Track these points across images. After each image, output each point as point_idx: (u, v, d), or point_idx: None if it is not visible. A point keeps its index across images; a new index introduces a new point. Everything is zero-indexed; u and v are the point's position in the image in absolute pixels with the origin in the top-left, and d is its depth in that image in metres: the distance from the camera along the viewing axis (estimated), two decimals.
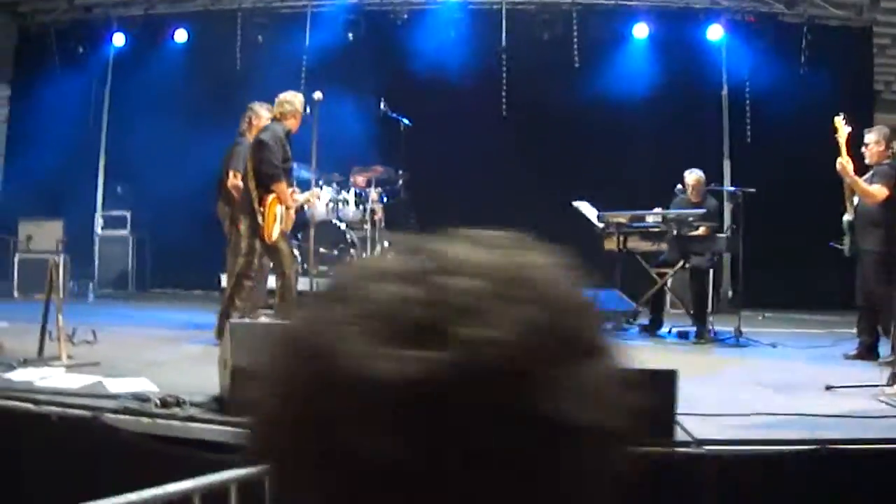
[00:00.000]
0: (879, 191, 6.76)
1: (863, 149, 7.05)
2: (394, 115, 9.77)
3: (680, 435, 3.91)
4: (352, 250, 9.35)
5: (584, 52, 12.18)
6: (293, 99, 7.25)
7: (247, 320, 6.35)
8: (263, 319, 7.46)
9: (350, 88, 10.82)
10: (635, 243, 8.23)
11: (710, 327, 8.10)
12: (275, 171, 6.83)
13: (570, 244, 0.70)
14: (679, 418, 4.07)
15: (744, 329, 7.76)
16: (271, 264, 7.33)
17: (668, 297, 8.87)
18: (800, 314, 10.74)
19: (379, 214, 9.75)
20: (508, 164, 11.40)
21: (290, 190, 7.24)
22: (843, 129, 6.86)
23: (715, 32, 12.21)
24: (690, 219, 7.96)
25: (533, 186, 10.94)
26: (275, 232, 6.94)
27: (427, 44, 11.73)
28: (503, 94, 12.26)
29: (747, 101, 12.29)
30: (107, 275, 11.80)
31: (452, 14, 12.07)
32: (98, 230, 12.00)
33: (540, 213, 9.17)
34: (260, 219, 6.88)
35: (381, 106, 9.75)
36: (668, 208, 8.57)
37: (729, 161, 12.36)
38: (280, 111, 7.20)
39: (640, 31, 12.16)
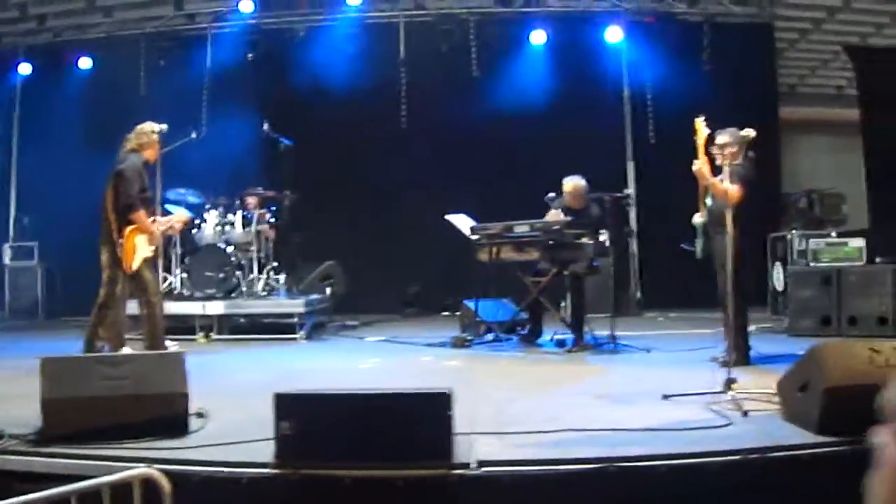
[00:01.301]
0: (737, 191, 6.72)
1: (714, 150, 7.02)
2: (275, 135, 9.86)
3: (463, 457, 3.87)
4: (237, 272, 9.40)
5: (483, 61, 12.28)
6: (151, 130, 7.33)
7: (64, 355, 6.39)
8: (127, 349, 7.59)
9: (246, 109, 10.94)
10: (508, 254, 8.28)
11: (590, 334, 8.17)
12: (132, 202, 6.92)
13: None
14: (480, 438, 4.18)
15: (643, 332, 7.81)
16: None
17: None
18: (706, 313, 10.80)
19: (268, 236, 9.83)
20: (407, 176, 11.49)
21: (151, 219, 7.31)
22: (702, 131, 6.82)
23: (614, 35, 12.30)
24: (556, 227, 7.99)
25: (432, 197, 10.98)
26: (135, 261, 7.01)
27: (325, 59, 11.85)
28: (403, 106, 12.32)
29: (649, 102, 12.38)
30: (17, 305, 11.89)
31: (350, 29, 12.14)
32: (6, 261, 12.05)
33: (435, 224, 9.22)
34: (119, 249, 6.96)
35: (264, 127, 9.82)
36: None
37: (633, 162, 12.46)
38: (138, 142, 7.27)
39: (538, 37, 12.26)
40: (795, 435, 4.18)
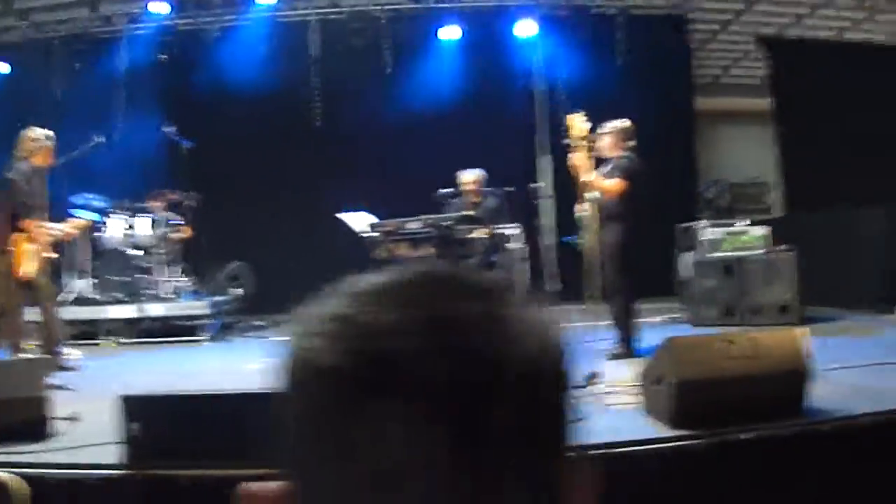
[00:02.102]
0: (618, 184, 6.77)
1: (597, 143, 7.07)
2: (176, 137, 9.85)
3: None
4: (143, 276, 9.40)
5: (396, 58, 12.34)
6: (38, 136, 7.30)
7: None
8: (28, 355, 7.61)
9: (157, 111, 10.94)
10: (403, 251, 8.30)
11: None
12: (21, 209, 6.91)
13: None
14: None
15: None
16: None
17: None
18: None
19: (176, 237, 9.83)
20: (323, 175, 11.49)
21: (43, 225, 7.30)
22: (578, 126, 6.86)
23: (526, 29, 12.36)
24: (446, 223, 8.03)
25: (347, 196, 10.97)
26: (27, 268, 7.00)
27: (238, 59, 11.84)
28: (316, 104, 12.35)
29: (563, 95, 12.45)
30: None
31: (263, 28, 12.14)
32: None
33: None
34: (9, 257, 6.97)
35: (165, 129, 9.82)
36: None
37: (551, 157, 12.53)
38: (24, 150, 7.24)
39: (450, 33, 12.32)
40: (649, 429, 4.20)
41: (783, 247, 8.70)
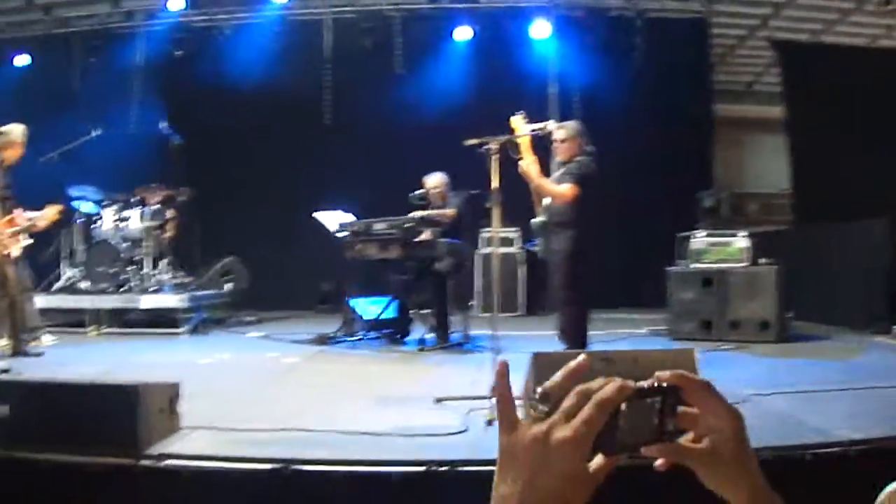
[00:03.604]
0: (570, 190, 6.45)
1: (553, 145, 6.86)
2: (169, 132, 9.97)
3: (154, 449, 3.91)
4: (129, 268, 9.50)
5: (408, 58, 12.26)
6: (9, 131, 7.48)
7: None
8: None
9: (169, 106, 11.10)
10: (371, 251, 8.24)
11: (461, 332, 8.15)
12: None
13: None
14: (198, 432, 4.24)
15: (529, 332, 8.08)
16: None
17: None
18: (621, 314, 10.72)
19: (165, 232, 9.94)
20: (331, 173, 11.46)
21: (8, 217, 7.47)
22: (522, 128, 6.63)
23: (541, 30, 12.17)
24: (407, 224, 7.94)
25: (354, 195, 10.90)
26: None
27: (250, 56, 11.91)
28: (327, 103, 12.36)
29: (577, 100, 12.23)
30: None
31: (276, 26, 12.20)
32: None
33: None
34: None
35: (160, 124, 9.94)
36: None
37: None
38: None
39: (463, 33, 12.18)
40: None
41: (764, 260, 8.32)
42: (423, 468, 3.72)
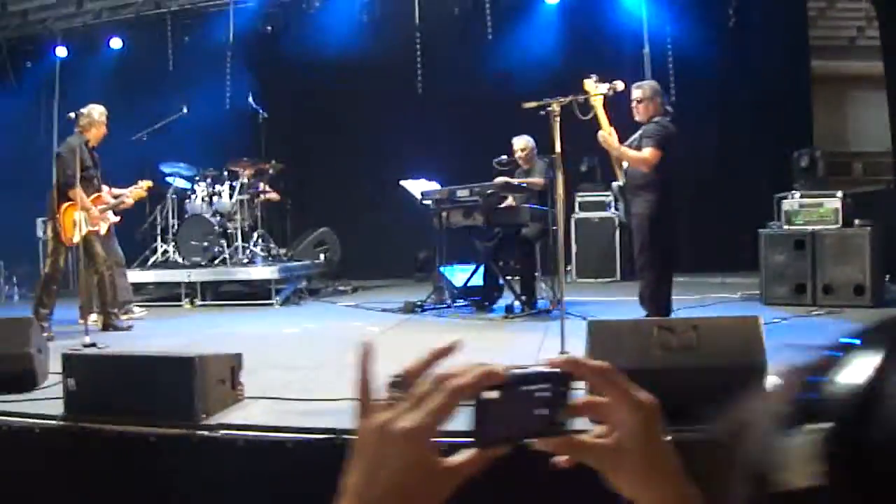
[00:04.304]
0: (652, 154, 6.17)
1: (633, 106, 6.61)
2: (255, 107, 10.07)
3: (212, 419, 3.96)
4: (221, 241, 9.68)
5: (497, 23, 12.07)
6: (90, 112, 7.70)
7: None
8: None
9: (263, 81, 11.24)
10: (456, 218, 8.16)
11: (541, 298, 8.03)
12: (68, 180, 7.30)
13: None
14: (258, 402, 4.28)
15: (623, 297, 7.70)
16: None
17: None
18: (713, 277, 10.40)
19: (266, 202, 10.14)
20: (424, 143, 11.36)
21: (97, 194, 7.68)
22: (596, 91, 6.42)
23: None
24: (489, 191, 7.80)
25: (445, 164, 10.83)
26: (74, 235, 7.42)
27: (339, 29, 11.91)
28: (419, 72, 12.29)
29: (670, 61, 11.84)
30: None
31: None
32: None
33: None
34: (57, 224, 7.40)
35: (249, 99, 10.05)
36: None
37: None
38: (81, 124, 7.65)
39: None
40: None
41: (859, 221, 7.86)
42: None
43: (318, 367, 5.45)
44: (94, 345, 5.88)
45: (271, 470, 3.80)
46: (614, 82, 6.29)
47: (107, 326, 7.55)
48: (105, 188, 8.00)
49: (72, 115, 7.62)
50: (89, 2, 12.77)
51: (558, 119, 5.53)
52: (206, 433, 3.85)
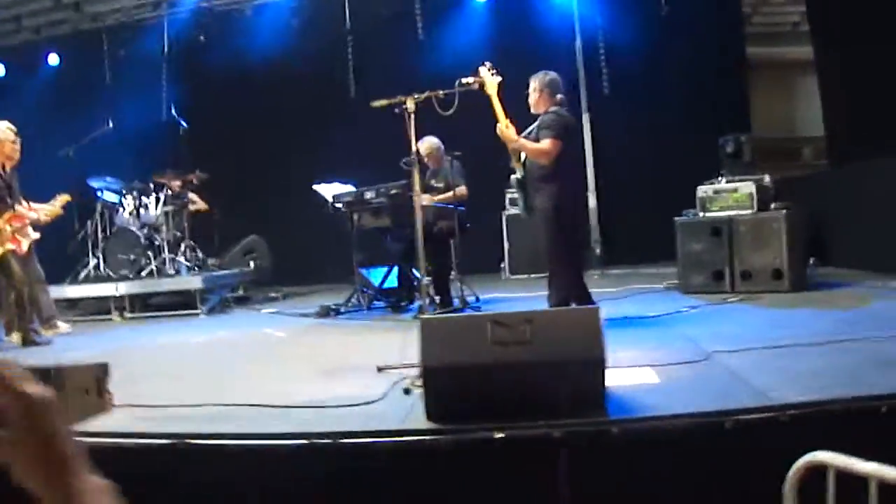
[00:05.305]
0: (552, 145, 6.16)
1: (529, 97, 6.58)
2: (178, 119, 10.09)
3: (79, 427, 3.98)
4: (148, 253, 9.69)
5: (427, 23, 12.10)
6: None
7: None
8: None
9: (200, 89, 11.24)
10: (366, 220, 8.18)
11: (470, 296, 8.06)
12: None
13: None
14: (118, 411, 4.35)
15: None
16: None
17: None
18: (647, 268, 10.43)
19: (188, 214, 10.14)
20: (358, 144, 11.33)
21: (10, 213, 7.69)
22: (490, 80, 6.40)
23: None
24: (394, 191, 7.80)
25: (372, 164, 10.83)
26: None
27: (273, 35, 11.96)
28: (350, 74, 12.30)
29: (602, 52, 11.86)
30: None
31: (294, 2, 12.18)
32: None
33: None
34: None
35: (172, 110, 10.07)
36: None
37: (588, 115, 11.95)
38: None
39: None
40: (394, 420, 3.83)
41: (774, 205, 7.85)
42: (305, 441, 3.64)
43: (203, 374, 5.51)
44: None
45: (117, 474, 3.82)
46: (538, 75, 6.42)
47: (26, 342, 7.57)
48: (25, 205, 7.99)
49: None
50: (26, 18, 12.74)
51: (412, 116, 5.52)
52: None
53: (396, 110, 5.66)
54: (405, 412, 3.95)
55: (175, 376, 5.43)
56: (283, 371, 5.53)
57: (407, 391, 4.29)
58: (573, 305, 6.06)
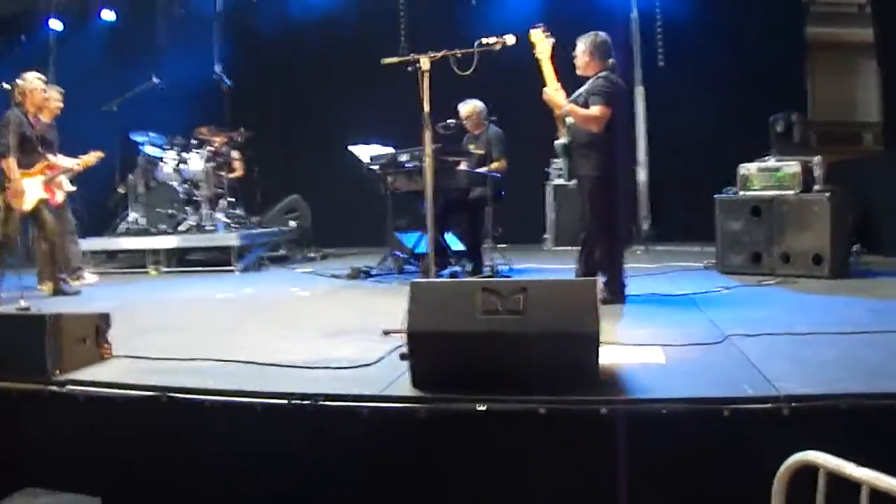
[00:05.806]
0: (602, 111, 5.89)
1: (575, 60, 6.31)
2: (222, 77, 10.07)
3: (76, 376, 4.05)
4: (187, 208, 9.75)
5: None
6: (24, 85, 7.70)
7: None
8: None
9: (252, 49, 11.24)
10: (401, 183, 8.04)
11: (490, 262, 7.92)
12: (1, 149, 7.35)
13: None
14: (116, 361, 4.38)
15: None
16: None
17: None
18: (691, 247, 10.16)
19: (232, 172, 10.17)
20: (404, 108, 11.17)
21: (43, 164, 7.76)
22: (542, 43, 6.15)
23: None
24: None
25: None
26: (26, 203, 7.53)
27: None
28: (401, 37, 12.14)
29: (658, 23, 11.50)
30: None
31: None
32: None
33: None
34: (8, 192, 7.54)
35: (216, 68, 10.07)
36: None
37: (642, 87, 11.63)
38: (15, 95, 7.72)
39: None
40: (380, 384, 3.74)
41: (818, 187, 7.49)
42: (284, 401, 3.58)
43: (208, 330, 5.50)
44: (27, 308, 5.95)
45: (109, 425, 3.86)
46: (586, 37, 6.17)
47: (56, 292, 7.68)
48: (61, 158, 8.08)
49: (6, 85, 7.67)
50: None
51: (427, 75, 5.35)
52: (54, 388, 3.97)
53: (409, 68, 5.46)
54: (393, 378, 3.84)
55: (180, 330, 5.42)
56: (289, 330, 5.45)
57: (403, 357, 4.18)
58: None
